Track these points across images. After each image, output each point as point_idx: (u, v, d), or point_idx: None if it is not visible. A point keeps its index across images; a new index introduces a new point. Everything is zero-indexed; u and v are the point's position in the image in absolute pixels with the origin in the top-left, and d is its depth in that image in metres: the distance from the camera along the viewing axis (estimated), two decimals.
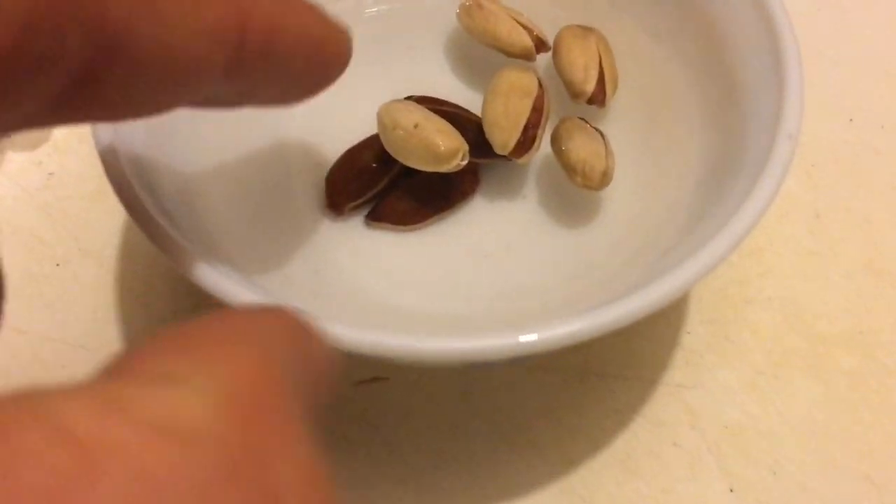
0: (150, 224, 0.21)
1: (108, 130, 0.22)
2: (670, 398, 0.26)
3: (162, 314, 0.27)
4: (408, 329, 0.23)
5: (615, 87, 0.27)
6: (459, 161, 0.24)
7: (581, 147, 0.24)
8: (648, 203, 0.25)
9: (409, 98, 0.28)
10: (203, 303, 0.27)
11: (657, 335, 0.27)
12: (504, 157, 0.27)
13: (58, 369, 0.26)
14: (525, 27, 0.27)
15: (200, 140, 0.25)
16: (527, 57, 0.28)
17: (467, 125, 0.27)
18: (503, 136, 0.25)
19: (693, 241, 0.20)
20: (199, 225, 0.23)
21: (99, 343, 0.27)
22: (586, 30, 0.27)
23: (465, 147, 0.24)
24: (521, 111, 0.25)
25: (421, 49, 0.29)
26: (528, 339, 0.19)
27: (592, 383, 0.26)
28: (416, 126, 0.24)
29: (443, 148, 0.24)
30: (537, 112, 0.25)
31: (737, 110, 0.23)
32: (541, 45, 0.27)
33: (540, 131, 0.25)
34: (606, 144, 0.25)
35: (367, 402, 0.26)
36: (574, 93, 0.26)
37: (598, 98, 0.26)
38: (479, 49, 0.28)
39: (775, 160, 0.20)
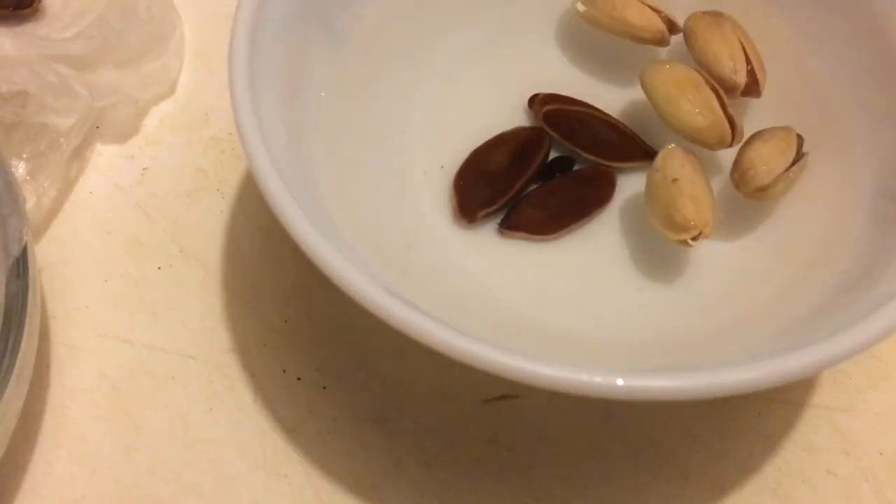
0: (303, 229, 0.19)
1: (252, 121, 0.20)
2: (821, 422, 0.24)
3: (272, 322, 0.26)
4: (544, 350, 0.21)
5: (765, 73, 0.25)
6: (688, 239, 0.22)
7: (764, 153, 0.23)
8: (812, 227, 0.23)
9: (535, 96, 0.26)
10: (314, 312, 0.26)
11: None
12: (642, 161, 0.25)
13: (167, 381, 0.25)
14: (652, 8, 0.26)
15: (323, 138, 0.24)
16: (660, 42, 0.26)
17: (600, 126, 0.25)
18: (713, 130, 0.23)
19: (873, 297, 0.19)
20: (328, 220, 0.21)
21: (208, 353, 0.25)
22: (717, 15, 0.25)
23: (705, 229, 0.22)
24: (708, 97, 0.24)
25: (538, 41, 0.27)
26: (682, 384, 0.17)
27: (738, 405, 0.24)
28: (674, 181, 0.23)
29: (678, 217, 0.22)
30: (717, 93, 0.24)
31: None
32: (672, 26, 0.26)
33: (730, 109, 0.24)
34: (791, 170, 0.23)
35: (498, 422, 0.24)
36: (726, 87, 0.24)
37: (753, 89, 0.25)
38: (598, 37, 0.26)
39: None
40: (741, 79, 0.24)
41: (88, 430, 0.24)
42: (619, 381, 0.18)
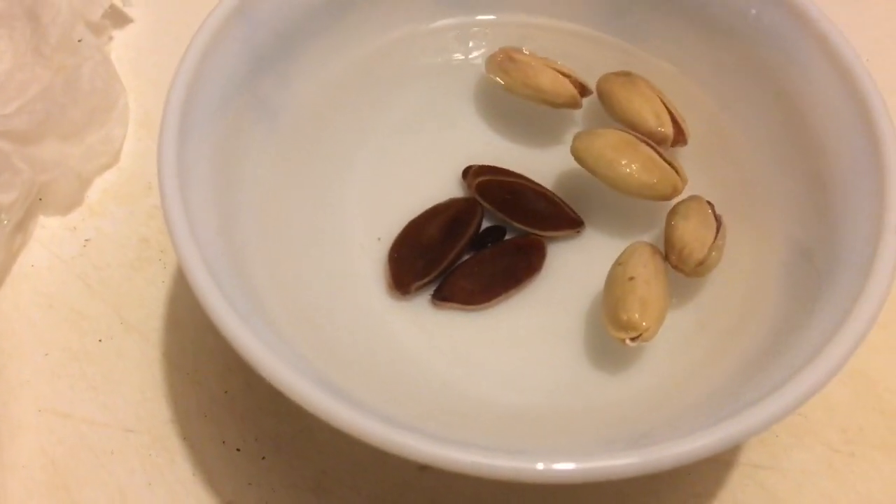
0: (220, 314, 0.19)
1: (178, 203, 0.20)
2: (748, 480, 0.25)
3: (213, 393, 0.26)
4: (470, 428, 0.22)
5: (685, 122, 0.26)
6: (626, 339, 0.23)
7: (691, 230, 0.24)
8: (731, 292, 0.24)
9: (469, 168, 0.27)
10: (255, 382, 0.26)
11: None
12: (572, 231, 0.26)
13: (106, 456, 0.25)
14: (563, 74, 0.27)
15: (257, 218, 0.24)
16: (573, 105, 0.27)
17: (530, 195, 0.26)
18: (664, 182, 0.24)
19: (798, 355, 0.19)
20: (257, 306, 0.22)
21: (148, 425, 0.26)
22: (627, 75, 0.27)
23: (646, 333, 0.22)
24: (647, 153, 0.25)
25: (467, 113, 0.28)
26: (596, 465, 0.18)
27: None
28: (630, 279, 0.23)
29: (623, 316, 0.22)
30: (653, 147, 0.25)
31: (827, 197, 0.22)
32: (583, 90, 0.27)
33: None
34: (718, 238, 0.24)
35: (435, 488, 0.25)
36: (656, 140, 0.25)
37: (680, 138, 0.26)
38: (522, 105, 0.27)
39: (883, 260, 0.19)
40: (669, 130, 0.25)
41: None
42: (539, 466, 0.18)
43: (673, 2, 0.26)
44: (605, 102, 0.26)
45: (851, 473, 0.25)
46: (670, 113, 0.26)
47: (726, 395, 0.21)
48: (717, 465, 0.25)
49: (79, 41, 0.31)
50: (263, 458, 0.25)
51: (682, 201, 0.25)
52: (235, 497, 0.25)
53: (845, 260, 0.20)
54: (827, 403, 0.26)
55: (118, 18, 0.34)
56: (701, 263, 0.23)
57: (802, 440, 0.26)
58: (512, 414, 0.23)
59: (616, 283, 0.23)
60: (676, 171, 0.25)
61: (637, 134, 0.25)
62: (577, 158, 0.25)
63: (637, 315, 0.22)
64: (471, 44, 0.28)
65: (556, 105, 0.27)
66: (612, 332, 0.23)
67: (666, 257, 0.24)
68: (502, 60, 0.27)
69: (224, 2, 0.24)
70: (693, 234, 0.24)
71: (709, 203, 0.24)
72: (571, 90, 0.26)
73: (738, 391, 0.21)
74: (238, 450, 0.25)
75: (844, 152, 0.22)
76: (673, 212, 0.25)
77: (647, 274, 0.23)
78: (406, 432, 0.18)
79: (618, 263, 0.24)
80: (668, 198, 0.25)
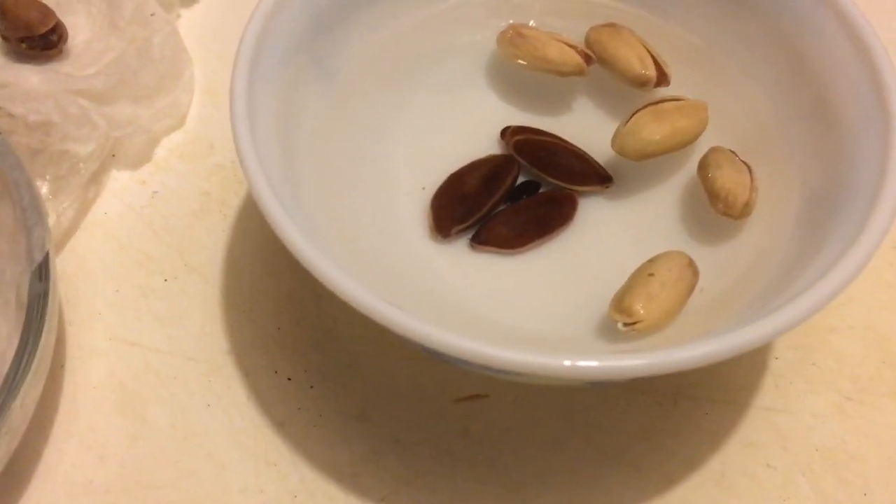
0: (290, 233, 0.22)
1: (250, 144, 0.23)
2: (762, 422, 0.27)
3: (266, 329, 0.28)
4: (516, 345, 0.24)
5: (668, 65, 0.28)
6: (620, 322, 0.24)
7: (728, 177, 0.26)
8: (748, 239, 0.26)
9: (507, 128, 0.29)
10: (305, 319, 0.29)
11: (746, 360, 0.28)
12: (600, 186, 0.28)
13: (169, 380, 0.27)
14: (569, 45, 0.29)
15: (313, 163, 0.26)
16: (579, 73, 0.29)
17: (563, 153, 0.28)
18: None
19: (808, 275, 0.21)
20: (315, 230, 0.24)
21: (208, 355, 0.28)
22: (612, 25, 0.29)
23: (640, 324, 0.23)
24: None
25: (494, 77, 0.30)
26: (634, 363, 0.20)
27: (686, 406, 0.27)
28: (650, 275, 0.24)
29: (626, 301, 0.24)
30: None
31: (839, 146, 0.24)
32: (588, 58, 0.29)
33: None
34: (753, 179, 0.26)
35: (469, 418, 0.27)
36: (639, 83, 0.28)
37: (664, 79, 0.28)
38: (524, 74, 0.29)
39: (886, 198, 0.21)
40: (652, 72, 0.28)
41: (97, 422, 0.27)
42: (580, 363, 0.20)
43: None
44: (594, 50, 0.29)
45: (861, 418, 0.27)
46: (653, 57, 0.28)
47: (749, 310, 0.23)
48: (734, 407, 0.27)
49: (151, 15, 0.34)
50: (312, 387, 0.27)
51: (707, 153, 0.27)
52: (285, 420, 0.27)
53: (853, 200, 0.22)
54: (839, 354, 0.28)
55: None
56: (746, 204, 0.25)
57: (815, 387, 0.27)
58: (545, 337, 0.25)
59: (637, 274, 0.25)
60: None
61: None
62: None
63: (638, 305, 0.23)
64: (510, 17, 0.30)
65: (563, 73, 0.29)
66: (611, 312, 0.24)
67: (714, 205, 0.26)
68: (512, 36, 0.29)
69: None
70: (732, 179, 0.26)
71: (732, 151, 0.26)
72: (577, 59, 0.28)
73: (759, 305, 0.22)
74: (289, 379, 0.27)
75: (857, 115, 0.24)
76: (703, 165, 0.26)
77: (668, 277, 0.24)
78: (450, 334, 0.20)
79: (649, 260, 0.25)
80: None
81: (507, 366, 0.20)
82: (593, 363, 0.20)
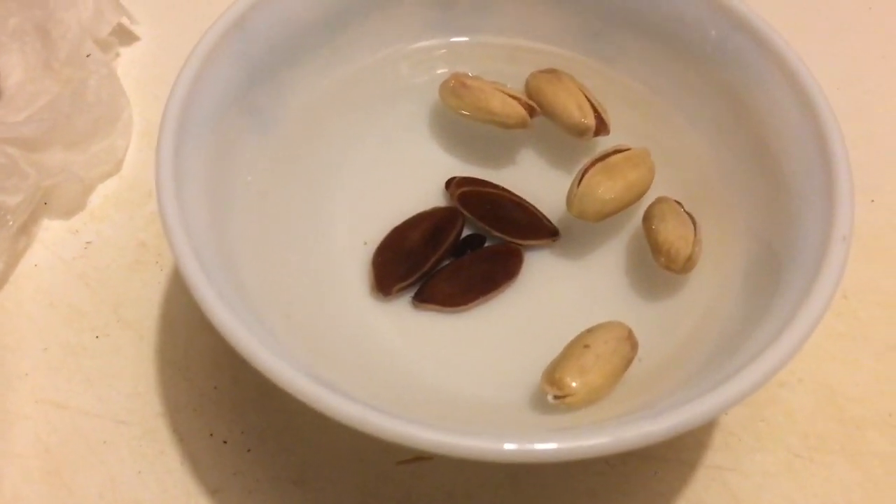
0: (211, 304, 0.21)
1: (173, 201, 0.22)
2: (711, 481, 0.26)
3: (202, 388, 0.27)
4: (453, 419, 0.23)
5: (607, 113, 0.28)
6: (550, 395, 0.23)
7: (672, 230, 0.25)
8: (693, 297, 0.25)
9: (452, 179, 0.28)
10: (243, 378, 0.27)
11: None
12: (547, 240, 0.27)
13: (98, 445, 0.26)
14: (512, 96, 0.28)
15: (248, 220, 0.26)
16: (522, 126, 0.28)
17: (509, 206, 0.28)
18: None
19: (750, 348, 0.21)
20: (245, 299, 0.23)
21: (140, 417, 0.27)
22: (552, 71, 0.29)
23: (570, 398, 0.23)
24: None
25: (440, 126, 0.29)
26: (569, 445, 0.19)
27: (635, 465, 0.26)
28: (585, 346, 0.23)
29: (556, 374, 0.23)
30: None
31: (783, 196, 0.24)
32: (532, 111, 0.28)
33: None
34: (696, 232, 0.25)
35: (411, 482, 0.26)
36: (578, 131, 0.27)
37: (603, 128, 0.28)
38: (469, 124, 0.29)
39: (831, 264, 0.21)
40: (591, 121, 0.27)
41: (21, 491, 0.25)
42: (508, 446, 0.19)
43: (644, 25, 0.28)
44: (534, 97, 0.28)
45: (811, 477, 0.26)
46: (592, 105, 0.28)
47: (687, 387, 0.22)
48: (683, 466, 0.26)
49: (87, 56, 0.33)
50: (249, 450, 0.26)
51: (653, 204, 0.26)
52: (221, 486, 0.26)
53: (799, 263, 0.22)
54: (788, 410, 0.28)
55: (125, 36, 0.36)
56: (689, 259, 0.25)
57: (765, 444, 0.27)
58: (486, 406, 0.24)
59: (572, 345, 0.24)
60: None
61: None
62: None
63: (569, 378, 0.23)
64: (455, 63, 0.30)
65: (507, 126, 0.28)
66: (542, 384, 0.23)
67: (656, 258, 0.25)
68: (455, 86, 0.28)
69: (224, 17, 0.25)
70: (675, 232, 0.25)
71: (677, 202, 0.26)
72: (521, 112, 0.28)
73: (697, 381, 0.22)
74: (225, 442, 0.26)
75: (800, 168, 0.24)
76: (648, 216, 0.26)
77: (603, 350, 0.23)
78: (385, 416, 0.19)
79: (587, 330, 0.24)
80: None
81: (431, 447, 0.19)
82: (512, 446, 0.19)
